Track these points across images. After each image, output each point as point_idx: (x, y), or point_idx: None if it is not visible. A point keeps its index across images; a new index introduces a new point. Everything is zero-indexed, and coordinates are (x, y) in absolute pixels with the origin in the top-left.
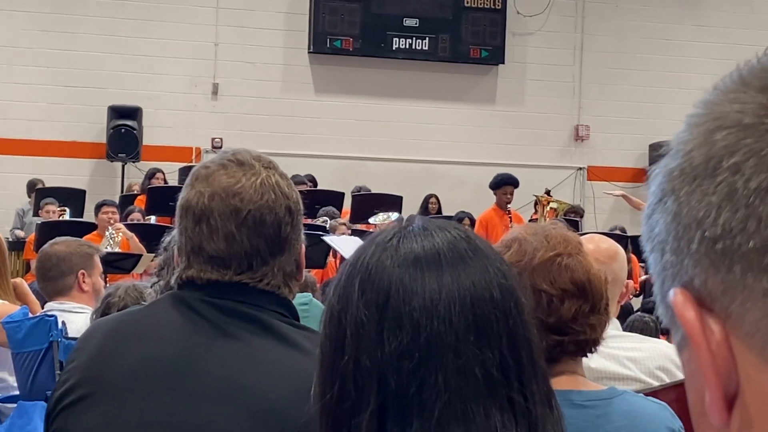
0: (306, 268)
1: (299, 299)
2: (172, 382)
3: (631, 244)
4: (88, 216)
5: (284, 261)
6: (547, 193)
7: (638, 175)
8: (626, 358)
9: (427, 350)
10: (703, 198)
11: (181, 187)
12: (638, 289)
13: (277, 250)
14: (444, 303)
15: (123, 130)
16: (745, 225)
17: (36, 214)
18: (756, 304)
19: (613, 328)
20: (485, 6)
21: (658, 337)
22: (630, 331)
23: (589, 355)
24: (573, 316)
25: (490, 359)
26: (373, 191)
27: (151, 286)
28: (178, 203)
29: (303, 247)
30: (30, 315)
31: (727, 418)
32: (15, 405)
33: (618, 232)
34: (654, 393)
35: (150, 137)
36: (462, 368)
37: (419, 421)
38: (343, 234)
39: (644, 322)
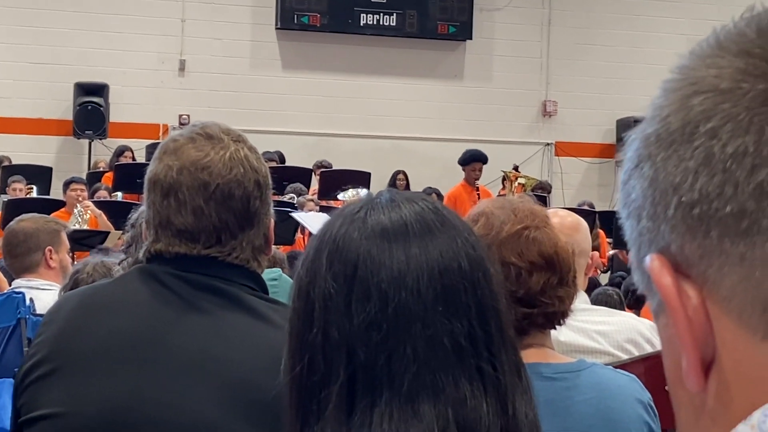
0: (274, 244)
1: (269, 275)
2: (140, 355)
3: (598, 219)
4: (55, 193)
5: (253, 235)
6: (515, 168)
7: (606, 151)
8: (595, 332)
9: (396, 321)
10: (679, 163)
11: (147, 164)
12: (606, 264)
13: (246, 224)
14: (412, 274)
15: (89, 107)
16: (722, 190)
17: (3, 191)
18: (733, 269)
19: (581, 301)
20: None
21: (624, 311)
22: (594, 305)
23: (557, 327)
24: (541, 288)
25: (458, 329)
26: (341, 167)
27: (119, 263)
28: (146, 176)
29: (272, 221)
30: None
31: (704, 383)
32: None
33: (586, 207)
34: (622, 366)
35: (117, 114)
36: (430, 338)
37: (389, 392)
38: (311, 210)
39: (608, 295)
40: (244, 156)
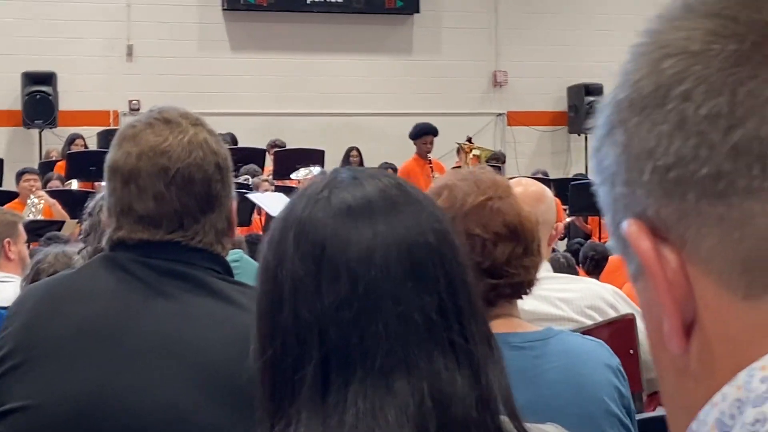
0: None
1: (230, 256)
2: (109, 343)
3: (553, 187)
4: (7, 185)
5: (215, 218)
6: (469, 140)
7: (558, 119)
8: (558, 299)
9: (366, 299)
10: (653, 127)
11: (100, 151)
12: (563, 232)
13: (208, 207)
14: (380, 251)
15: (38, 96)
16: (697, 152)
17: None
18: (712, 230)
19: (545, 269)
20: None
21: (576, 274)
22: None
23: (523, 297)
24: (507, 258)
25: (429, 303)
26: (294, 147)
27: (79, 252)
28: (106, 164)
29: (234, 203)
30: None
31: (685, 345)
32: None
33: (540, 176)
34: (587, 332)
35: (66, 102)
36: (402, 314)
37: (362, 370)
38: (267, 191)
39: (556, 259)
40: (203, 139)
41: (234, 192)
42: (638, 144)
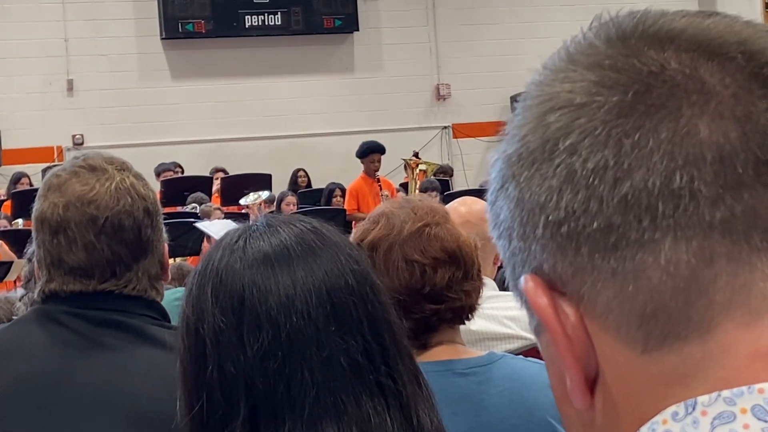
0: (182, 256)
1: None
2: (44, 399)
3: None
4: None
5: (148, 264)
6: (416, 155)
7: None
8: (505, 317)
9: (290, 347)
10: (543, 182)
11: None
12: None
13: (140, 253)
14: (300, 297)
15: None
16: (587, 206)
17: None
18: (606, 285)
19: (490, 288)
20: None
21: None
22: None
23: (466, 322)
24: (447, 283)
25: (353, 346)
26: (241, 171)
27: (20, 299)
28: (33, 215)
29: (166, 246)
30: None
31: (590, 400)
32: None
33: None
34: (535, 349)
35: (8, 140)
36: (327, 360)
37: (291, 419)
38: (218, 218)
39: (502, 278)
40: (130, 184)
41: (165, 235)
42: (530, 198)
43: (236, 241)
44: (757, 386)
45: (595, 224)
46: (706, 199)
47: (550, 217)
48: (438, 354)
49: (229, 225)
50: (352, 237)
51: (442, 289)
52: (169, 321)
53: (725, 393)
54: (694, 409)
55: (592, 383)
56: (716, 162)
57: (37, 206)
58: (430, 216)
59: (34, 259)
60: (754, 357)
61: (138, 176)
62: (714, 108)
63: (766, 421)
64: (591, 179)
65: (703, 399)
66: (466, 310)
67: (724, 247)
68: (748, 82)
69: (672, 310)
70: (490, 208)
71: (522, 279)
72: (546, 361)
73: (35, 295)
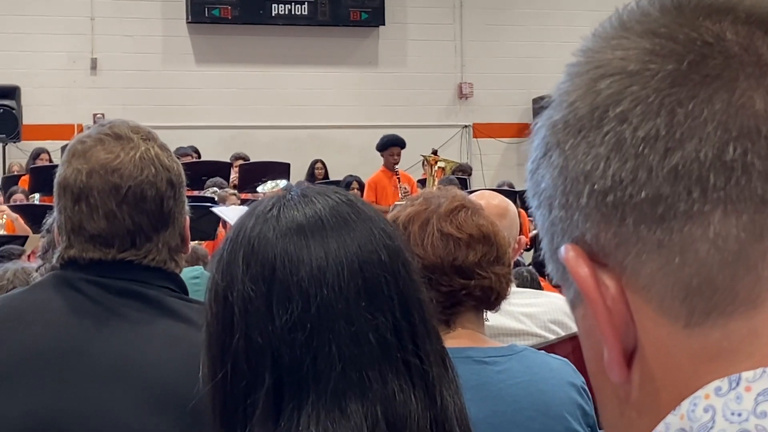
0: (196, 240)
1: (190, 273)
2: (59, 367)
3: (519, 199)
4: None
5: (169, 236)
6: (434, 152)
7: (523, 130)
8: (521, 314)
9: (319, 320)
10: (589, 150)
11: None
12: (529, 243)
13: (161, 225)
14: (332, 269)
15: (1, 110)
16: (635, 175)
17: None
18: (651, 256)
19: None
20: None
21: (539, 288)
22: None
23: (490, 312)
24: (479, 260)
25: (383, 323)
26: (259, 159)
27: (37, 270)
28: (56, 181)
29: (187, 219)
30: None
31: (627, 374)
32: None
33: (506, 187)
34: (550, 346)
35: (30, 116)
36: (355, 335)
37: (315, 393)
38: (233, 204)
39: (519, 273)
40: (155, 155)
41: (187, 207)
42: (575, 167)
43: (270, 210)
44: None
45: (642, 194)
46: (759, 173)
47: (595, 186)
48: (458, 341)
49: None
50: (389, 215)
51: (473, 265)
52: (187, 293)
53: None
54: (738, 384)
55: (629, 357)
56: None
57: (60, 172)
58: (468, 202)
59: (54, 225)
60: None
61: (163, 147)
62: None
63: None
64: (641, 148)
65: (747, 375)
66: (494, 293)
67: None
68: None
69: (719, 284)
70: (531, 176)
71: (562, 249)
72: (581, 334)
73: (54, 261)
